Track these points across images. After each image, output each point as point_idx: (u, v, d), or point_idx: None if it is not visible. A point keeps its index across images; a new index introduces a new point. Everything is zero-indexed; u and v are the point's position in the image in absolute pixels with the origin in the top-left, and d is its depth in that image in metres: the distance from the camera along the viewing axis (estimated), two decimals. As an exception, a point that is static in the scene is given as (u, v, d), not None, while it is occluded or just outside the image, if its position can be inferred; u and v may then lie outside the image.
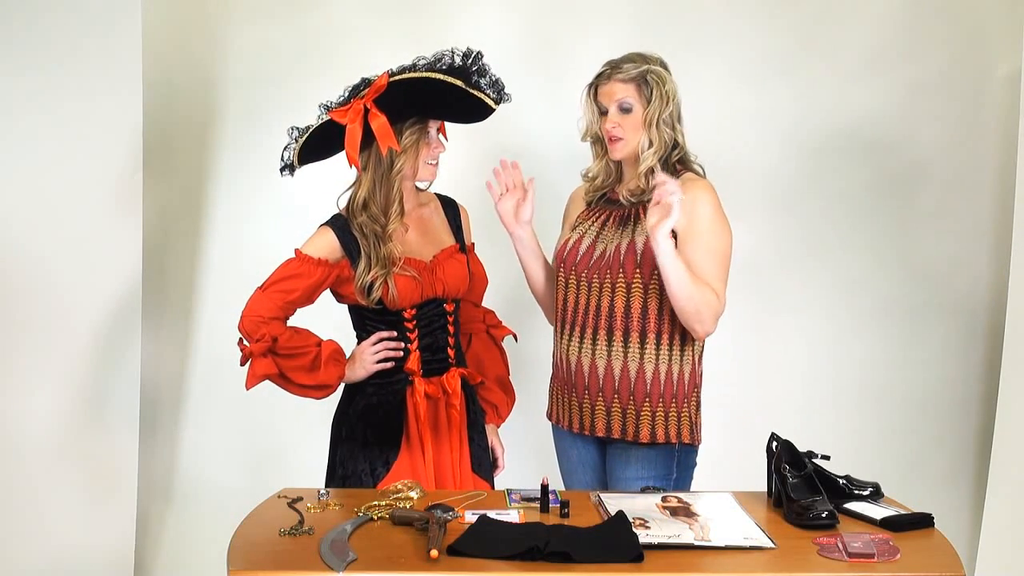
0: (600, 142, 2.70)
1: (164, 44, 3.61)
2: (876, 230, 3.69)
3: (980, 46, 3.63)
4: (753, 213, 3.54)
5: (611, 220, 2.67)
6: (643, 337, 2.60)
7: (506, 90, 2.60)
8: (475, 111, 2.61)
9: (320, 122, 2.62)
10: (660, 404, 2.61)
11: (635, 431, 2.61)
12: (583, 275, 2.65)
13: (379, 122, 2.53)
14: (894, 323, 3.72)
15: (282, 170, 2.69)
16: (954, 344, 3.72)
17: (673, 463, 2.66)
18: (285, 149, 2.66)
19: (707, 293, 2.52)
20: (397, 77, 2.54)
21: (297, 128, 2.65)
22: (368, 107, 2.53)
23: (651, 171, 2.60)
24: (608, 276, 2.61)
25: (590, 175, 2.76)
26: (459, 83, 2.54)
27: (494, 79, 2.60)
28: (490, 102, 2.58)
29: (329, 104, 2.61)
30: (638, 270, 2.57)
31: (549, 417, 2.84)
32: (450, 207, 2.82)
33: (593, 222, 2.70)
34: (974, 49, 3.63)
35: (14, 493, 3.26)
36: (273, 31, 3.67)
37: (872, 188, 3.68)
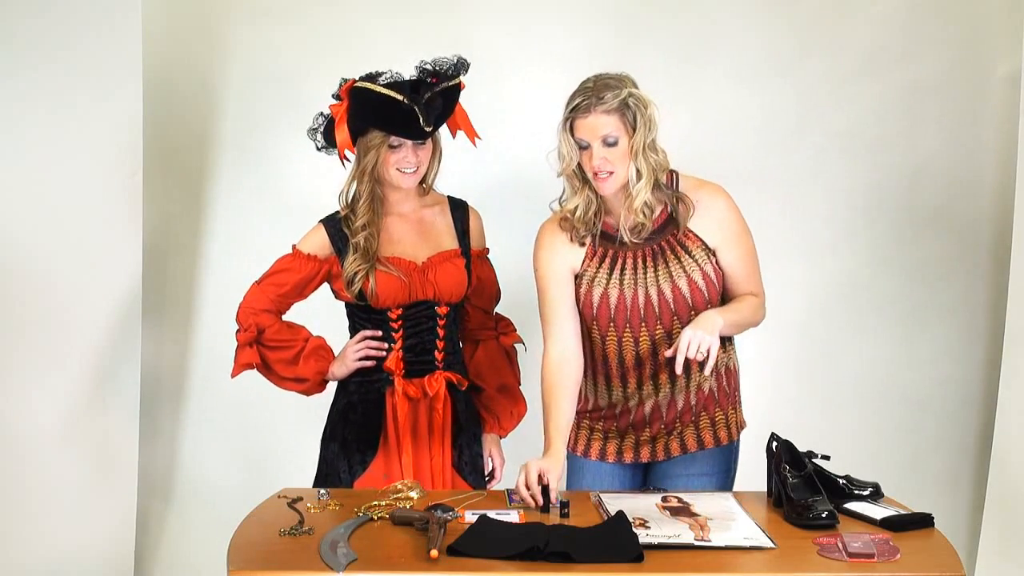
0: (577, 176, 2.48)
1: (164, 44, 3.61)
2: (876, 230, 3.69)
3: (980, 46, 3.62)
4: (752, 213, 3.52)
5: (640, 261, 2.50)
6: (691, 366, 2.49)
7: (437, 116, 2.60)
8: (418, 129, 2.58)
9: (327, 116, 2.70)
10: (718, 411, 2.59)
11: (697, 442, 2.57)
12: (625, 331, 2.52)
13: (340, 126, 2.62)
14: (894, 323, 3.72)
15: (322, 149, 2.75)
16: (954, 344, 3.72)
17: (731, 459, 2.64)
18: (315, 132, 2.71)
19: (753, 308, 2.55)
20: (356, 85, 2.60)
21: (323, 114, 2.70)
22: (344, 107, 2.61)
23: (644, 205, 2.44)
24: (644, 328, 2.50)
25: (570, 210, 2.52)
26: (399, 97, 2.54)
27: (440, 101, 2.59)
28: (422, 121, 2.56)
29: (338, 96, 2.67)
30: (675, 318, 2.49)
31: (584, 453, 2.65)
32: (459, 210, 2.80)
33: (622, 268, 2.51)
34: (974, 49, 3.63)
35: (15, 492, 3.26)
36: (273, 31, 3.66)
37: (872, 188, 3.67)
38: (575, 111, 2.42)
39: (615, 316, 2.51)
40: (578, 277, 2.54)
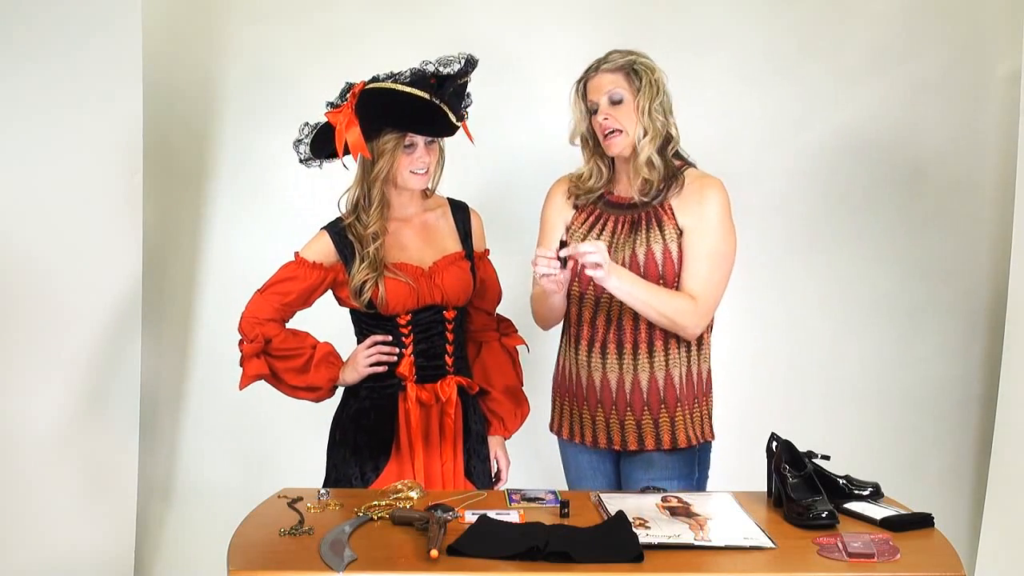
0: (588, 143, 2.65)
1: (164, 44, 3.61)
2: (876, 229, 3.69)
3: (980, 46, 3.62)
4: (753, 212, 3.53)
5: (621, 226, 2.60)
6: (666, 343, 2.57)
7: (467, 108, 2.61)
8: (443, 126, 2.59)
9: (320, 122, 2.65)
10: (678, 409, 2.59)
11: (655, 440, 2.59)
12: (588, 289, 2.59)
13: (352, 129, 2.55)
14: (894, 322, 3.72)
15: (304, 162, 2.71)
16: (954, 344, 3.72)
17: (695, 463, 2.65)
18: (300, 143, 2.68)
19: (677, 304, 2.51)
20: (369, 86, 2.55)
21: (309, 124, 2.68)
22: (351, 111, 2.55)
23: (649, 163, 2.55)
24: (603, 290, 2.54)
25: (577, 176, 2.69)
26: (424, 95, 2.52)
27: (462, 92, 2.59)
28: (453, 118, 2.56)
29: (333, 103, 2.63)
30: (661, 281, 2.53)
31: (558, 431, 2.77)
32: (460, 212, 2.79)
33: (602, 229, 2.62)
34: (974, 49, 3.63)
35: (14, 493, 3.25)
36: (273, 31, 3.67)
37: (872, 187, 3.68)
38: (586, 73, 2.61)
39: (580, 272, 2.54)
40: (567, 229, 2.67)
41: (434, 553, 1.97)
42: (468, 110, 2.63)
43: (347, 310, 2.76)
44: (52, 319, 3.28)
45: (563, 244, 2.42)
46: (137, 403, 3.53)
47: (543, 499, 2.36)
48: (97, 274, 3.36)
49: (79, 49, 3.25)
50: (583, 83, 2.61)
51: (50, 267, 3.27)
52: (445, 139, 2.70)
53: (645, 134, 2.55)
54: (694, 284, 2.53)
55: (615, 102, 2.56)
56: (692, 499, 2.35)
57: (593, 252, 2.37)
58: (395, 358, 2.68)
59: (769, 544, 2.09)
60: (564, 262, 2.39)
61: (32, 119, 3.21)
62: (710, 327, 2.66)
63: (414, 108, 2.54)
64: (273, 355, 2.68)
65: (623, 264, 2.54)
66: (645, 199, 2.58)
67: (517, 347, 2.87)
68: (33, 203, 3.23)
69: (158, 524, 3.77)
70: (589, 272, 2.40)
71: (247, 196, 3.71)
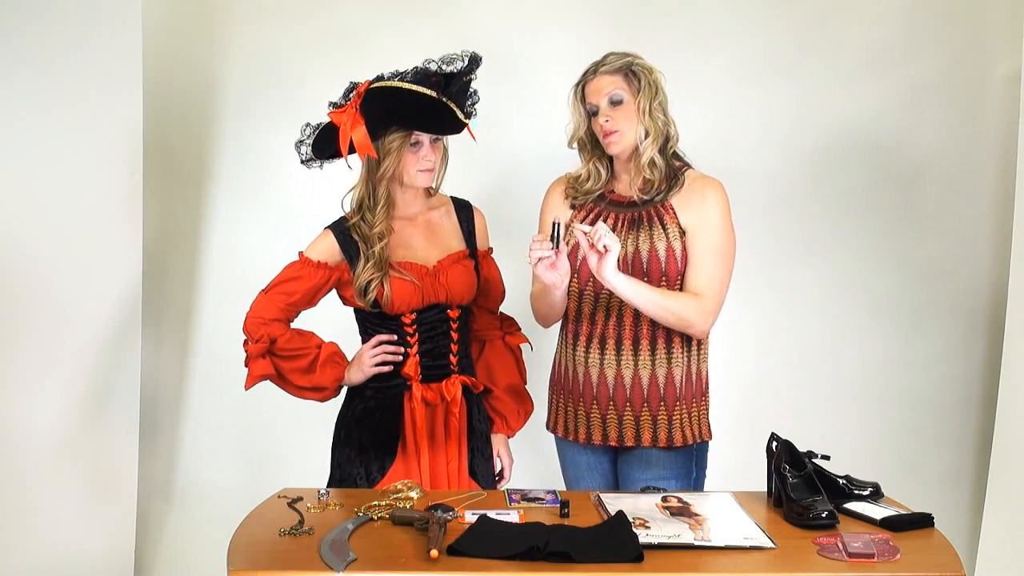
0: (587, 146, 2.67)
1: (164, 44, 3.61)
2: (876, 230, 3.69)
3: (980, 46, 3.62)
4: (753, 213, 3.54)
5: (621, 223, 2.61)
6: (668, 341, 2.58)
7: (475, 106, 2.62)
8: (449, 123, 2.60)
9: (322, 123, 2.64)
10: (677, 407, 2.60)
11: (652, 437, 2.59)
12: (587, 285, 2.60)
13: (357, 128, 2.54)
14: (894, 323, 3.72)
15: (305, 163, 2.70)
16: (954, 344, 3.72)
17: (692, 463, 2.65)
18: (301, 143, 2.67)
19: (684, 301, 2.52)
20: (374, 85, 2.55)
21: (310, 125, 2.67)
22: (356, 110, 2.55)
23: (651, 163, 2.56)
24: (601, 285, 2.55)
25: (574, 177, 2.71)
26: (431, 94, 2.52)
27: (469, 91, 2.59)
28: (461, 115, 2.56)
29: (336, 103, 2.62)
30: (663, 278, 2.55)
31: (554, 429, 2.78)
32: (464, 211, 2.79)
33: (584, 220, 2.62)
34: (974, 49, 3.63)
35: (14, 493, 3.26)
36: (273, 31, 3.67)
37: (872, 188, 3.68)
38: (584, 76, 2.62)
39: (579, 268, 2.59)
40: (567, 227, 2.66)
41: (434, 553, 1.97)
42: (476, 107, 2.63)
43: (352, 309, 2.76)
44: (53, 318, 3.28)
45: (556, 225, 2.42)
46: (137, 403, 3.53)
47: (543, 499, 2.36)
48: (97, 274, 3.36)
49: (79, 49, 3.25)
50: (581, 86, 2.63)
51: (50, 267, 3.27)
52: (447, 138, 2.70)
53: (647, 135, 2.56)
54: (700, 282, 2.55)
55: (615, 103, 2.57)
56: (692, 499, 2.35)
57: (609, 233, 2.39)
58: (400, 358, 2.67)
59: (769, 544, 2.09)
60: (557, 241, 2.41)
61: (32, 119, 3.21)
62: None
63: (420, 106, 2.54)
64: (278, 355, 2.67)
65: (624, 260, 2.55)
66: (645, 198, 2.60)
67: (520, 345, 2.87)
68: (33, 203, 3.23)
69: (158, 524, 3.77)
70: (599, 247, 2.38)
71: (247, 196, 3.72)
